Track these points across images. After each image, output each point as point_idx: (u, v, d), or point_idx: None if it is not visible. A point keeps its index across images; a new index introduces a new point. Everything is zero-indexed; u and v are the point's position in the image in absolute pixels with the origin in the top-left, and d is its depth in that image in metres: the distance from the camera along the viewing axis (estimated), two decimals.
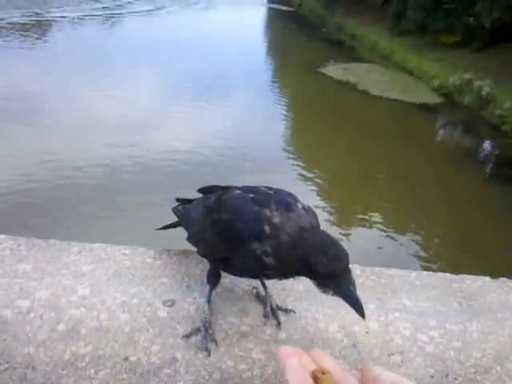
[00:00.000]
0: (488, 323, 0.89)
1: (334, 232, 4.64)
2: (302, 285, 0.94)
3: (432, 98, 10.46)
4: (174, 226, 1.03)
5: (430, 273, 1.07)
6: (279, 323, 0.84)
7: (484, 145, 8.79)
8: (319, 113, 9.50)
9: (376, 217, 5.38)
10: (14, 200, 4.75)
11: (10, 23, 13.73)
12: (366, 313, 0.87)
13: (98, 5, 18.37)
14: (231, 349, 0.79)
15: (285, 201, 0.75)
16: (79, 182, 5.26)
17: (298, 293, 0.93)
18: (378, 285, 0.98)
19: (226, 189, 0.87)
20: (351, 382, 0.56)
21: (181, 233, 0.97)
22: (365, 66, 12.87)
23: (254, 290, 0.91)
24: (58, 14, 15.75)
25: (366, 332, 0.84)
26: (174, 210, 1.01)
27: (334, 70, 11.93)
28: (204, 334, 0.80)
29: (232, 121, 8.10)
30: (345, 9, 19.13)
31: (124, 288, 0.89)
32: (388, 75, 12.11)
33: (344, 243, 0.68)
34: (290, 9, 25.51)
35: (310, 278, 0.69)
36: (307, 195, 5.43)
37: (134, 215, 4.61)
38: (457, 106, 10.01)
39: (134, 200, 4.94)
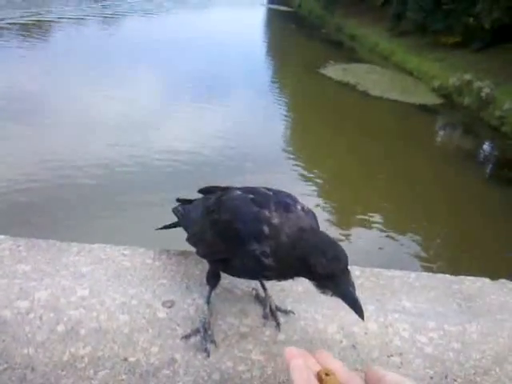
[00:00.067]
0: (487, 324, 0.89)
1: (333, 232, 4.64)
2: (301, 286, 0.94)
3: (432, 99, 10.46)
4: (173, 226, 1.03)
5: (430, 274, 1.07)
6: (278, 324, 0.84)
7: (484, 146, 8.79)
8: (319, 113, 9.50)
9: (376, 217, 5.39)
10: (13, 200, 4.75)
11: (9, 23, 13.74)
12: (366, 314, 0.87)
13: (98, 5, 18.37)
14: (230, 350, 0.79)
15: (284, 202, 0.75)
16: (79, 182, 5.26)
17: (297, 294, 0.93)
18: (377, 286, 0.98)
19: (226, 189, 0.88)
20: (357, 383, 0.56)
21: (180, 233, 0.97)
22: (365, 66, 12.87)
23: (254, 291, 0.91)
24: (58, 14, 15.75)
25: (365, 333, 0.84)
26: (174, 211, 1.01)
27: (334, 71, 11.94)
28: (203, 334, 0.80)
29: (232, 121, 8.11)
30: (344, 9, 19.14)
31: (123, 289, 0.89)
32: (388, 76, 12.12)
33: (344, 243, 0.68)
34: (289, 9, 25.54)
35: (309, 278, 0.69)
36: (307, 195, 5.43)
37: (134, 215, 4.61)
38: (456, 107, 10.01)
39: (134, 200, 4.94)
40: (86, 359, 0.76)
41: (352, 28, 17.27)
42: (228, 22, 19.46)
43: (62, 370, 0.74)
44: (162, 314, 0.84)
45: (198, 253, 0.89)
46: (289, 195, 0.79)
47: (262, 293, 0.89)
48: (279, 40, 18.72)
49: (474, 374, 0.79)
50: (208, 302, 0.84)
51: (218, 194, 0.86)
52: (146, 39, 13.73)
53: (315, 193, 5.78)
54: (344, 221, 5.29)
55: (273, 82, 11.80)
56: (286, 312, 0.87)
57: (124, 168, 5.75)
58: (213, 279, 0.86)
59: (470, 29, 12.07)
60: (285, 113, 9.18)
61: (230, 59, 12.81)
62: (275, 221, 0.72)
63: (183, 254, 1.03)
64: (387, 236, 4.98)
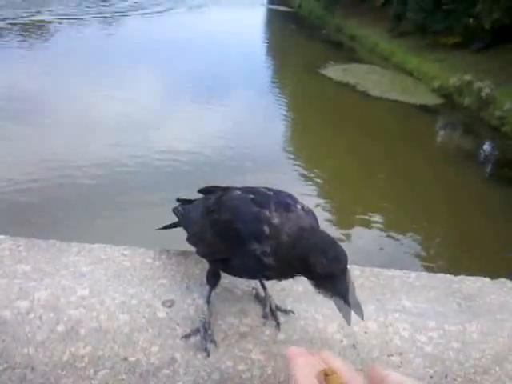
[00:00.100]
0: (487, 324, 0.89)
1: (334, 232, 4.64)
2: (302, 286, 0.94)
3: (432, 99, 10.46)
4: (173, 226, 1.03)
5: (430, 274, 1.07)
6: (278, 324, 0.84)
7: (484, 146, 8.79)
8: (319, 113, 9.50)
9: (376, 217, 5.38)
10: (13, 200, 4.75)
11: (9, 23, 13.74)
12: (366, 314, 0.87)
13: (98, 5, 18.38)
14: (230, 349, 0.79)
15: (284, 202, 0.75)
16: (79, 182, 5.27)
17: (297, 293, 0.93)
18: (377, 286, 0.98)
19: (226, 189, 0.88)
20: (360, 383, 0.56)
21: (180, 233, 0.97)
22: (365, 67, 12.87)
23: (254, 291, 0.91)
24: (58, 14, 15.75)
25: (365, 332, 0.84)
26: (174, 211, 1.01)
27: (334, 71, 11.94)
28: (203, 334, 0.80)
29: (232, 121, 8.11)
30: (345, 10, 19.14)
31: (123, 288, 0.89)
32: (388, 76, 12.12)
33: (344, 243, 0.68)
34: (289, 9, 25.52)
35: (308, 277, 0.69)
36: (307, 195, 5.43)
37: (134, 215, 4.61)
38: (457, 107, 10.01)
39: (134, 200, 4.94)
40: (86, 359, 0.76)
41: (352, 28, 17.27)
42: (228, 22, 19.45)
43: (62, 370, 0.74)
44: (162, 313, 0.84)
45: (198, 252, 0.89)
46: (289, 195, 0.79)
47: (261, 292, 0.90)
48: (279, 40, 18.72)
49: (474, 373, 0.79)
50: (208, 302, 0.84)
51: (218, 194, 0.86)
52: (146, 39, 13.73)
53: (315, 193, 5.78)
54: (344, 220, 5.29)
55: (273, 82, 11.81)
56: (285, 311, 0.87)
57: (124, 168, 5.75)
58: (213, 279, 0.86)
59: (470, 29, 12.07)
60: (285, 113, 9.18)
61: (230, 59, 12.81)
62: (276, 221, 0.72)
63: (183, 253, 1.03)
64: (387, 236, 4.98)
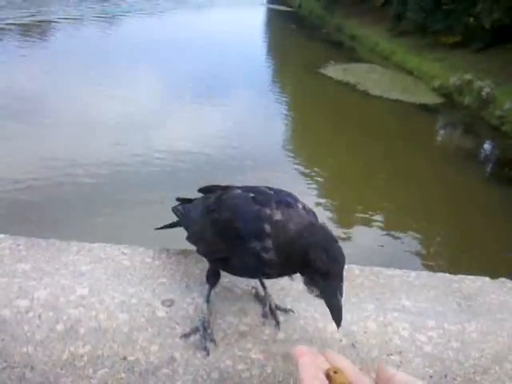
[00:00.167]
0: (487, 323, 0.89)
1: (334, 231, 4.62)
2: (301, 285, 0.94)
3: (432, 99, 10.46)
4: (173, 225, 1.03)
5: (430, 273, 1.07)
6: (278, 323, 0.84)
7: (484, 145, 8.79)
8: (319, 113, 9.51)
9: (376, 216, 5.39)
10: (13, 199, 4.76)
11: (10, 23, 13.74)
12: (365, 313, 0.87)
13: (98, 5, 18.37)
14: (230, 348, 0.79)
15: (285, 201, 0.75)
16: (79, 182, 5.27)
17: (296, 293, 0.93)
18: (376, 285, 0.98)
19: (226, 188, 0.87)
20: (365, 382, 0.56)
21: (180, 232, 0.97)
22: (365, 66, 12.88)
23: (253, 290, 0.91)
24: (58, 14, 15.75)
25: (365, 332, 0.84)
26: (174, 210, 1.01)
27: (334, 71, 11.94)
28: (203, 333, 0.79)
29: (232, 120, 8.11)
30: (345, 10, 19.14)
31: (123, 288, 0.89)
32: (388, 76, 12.12)
33: (344, 242, 0.68)
34: (289, 9, 25.52)
35: (303, 273, 0.69)
36: (308, 194, 5.44)
37: (134, 214, 4.61)
38: (457, 107, 10.01)
39: (134, 199, 4.95)
40: (86, 358, 0.76)
41: (352, 28, 17.27)
42: (228, 21, 19.45)
43: (61, 369, 0.74)
44: (161, 312, 0.84)
45: (198, 251, 0.89)
46: (289, 194, 0.79)
47: (261, 291, 0.89)
48: (279, 40, 18.72)
49: (474, 372, 0.79)
50: (207, 301, 0.84)
51: (217, 193, 0.86)
52: (146, 39, 13.73)
53: (316, 192, 5.79)
54: (344, 220, 5.30)
55: (273, 82, 11.81)
56: (285, 311, 0.87)
57: (124, 167, 5.76)
58: (212, 278, 0.86)
59: (470, 29, 12.07)
60: (285, 112, 9.19)
61: (230, 59, 12.81)
62: (277, 218, 0.72)
63: (183, 252, 1.03)
64: (387, 235, 4.98)
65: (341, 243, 0.69)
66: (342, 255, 0.67)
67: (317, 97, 10.42)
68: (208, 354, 0.77)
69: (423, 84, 11.40)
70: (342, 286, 0.66)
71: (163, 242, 1.18)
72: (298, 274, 0.73)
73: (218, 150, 6.64)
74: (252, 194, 0.77)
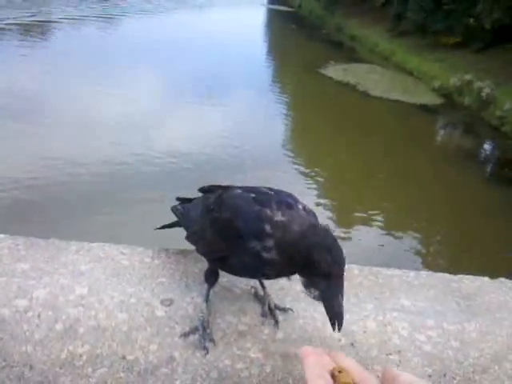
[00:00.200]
0: (486, 323, 0.89)
1: (334, 230, 4.63)
2: (300, 285, 0.94)
3: (432, 99, 10.46)
4: (173, 225, 1.03)
5: (429, 272, 1.07)
6: (277, 322, 0.84)
7: (484, 145, 8.79)
8: (320, 113, 9.51)
9: (376, 216, 5.39)
10: (13, 198, 4.76)
11: (10, 23, 13.74)
12: (364, 312, 0.87)
13: (98, 5, 18.37)
14: (229, 348, 0.79)
15: (286, 201, 0.75)
16: (79, 181, 5.27)
17: (295, 292, 0.93)
18: (376, 284, 0.98)
19: (227, 188, 0.87)
20: (371, 382, 0.57)
21: (179, 232, 0.97)
22: (365, 66, 12.88)
23: (253, 290, 0.91)
24: (58, 14, 15.76)
25: (364, 331, 0.84)
26: (174, 210, 1.01)
27: (334, 71, 11.94)
28: (202, 333, 0.79)
29: (233, 120, 8.11)
30: (345, 10, 19.14)
31: (122, 287, 0.89)
32: (388, 76, 12.12)
33: (344, 241, 0.68)
34: (289, 9, 25.53)
35: (304, 275, 0.69)
36: (308, 193, 5.44)
37: (134, 214, 4.61)
38: (457, 107, 10.01)
39: (134, 198, 4.95)
40: (85, 357, 0.76)
41: (352, 28, 17.27)
42: (228, 22, 19.46)
43: (61, 368, 0.74)
44: (160, 312, 0.84)
45: (197, 251, 0.89)
46: (290, 195, 0.79)
47: (260, 291, 0.89)
48: (279, 40, 18.73)
49: (473, 372, 0.79)
50: (206, 301, 0.84)
51: (218, 193, 0.86)
52: (146, 39, 13.73)
53: (316, 191, 5.79)
54: (344, 219, 5.30)
55: (273, 82, 11.81)
56: (284, 310, 0.87)
57: (124, 167, 5.76)
58: (211, 277, 0.86)
59: (471, 29, 12.07)
60: (285, 112, 9.19)
61: (230, 59, 12.81)
62: (277, 219, 0.72)
63: (182, 252, 1.03)
64: (387, 234, 4.98)
65: (340, 243, 0.69)
66: (343, 256, 0.67)
67: (317, 97, 10.42)
68: (208, 353, 0.77)
69: (423, 84, 11.40)
70: (343, 289, 0.66)
71: (162, 241, 1.18)
72: (296, 275, 0.73)
73: (218, 149, 6.64)
74: (253, 195, 0.77)
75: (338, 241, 0.70)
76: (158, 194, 4.73)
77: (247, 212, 0.74)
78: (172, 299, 0.87)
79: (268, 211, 0.73)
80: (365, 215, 5.40)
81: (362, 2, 18.70)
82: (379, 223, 5.23)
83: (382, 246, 4.78)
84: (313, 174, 6.28)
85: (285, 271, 0.75)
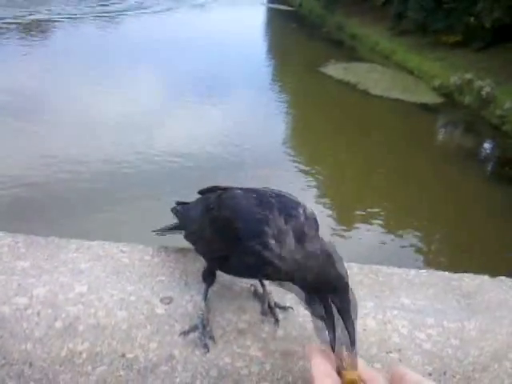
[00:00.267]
0: (486, 321, 0.89)
1: (334, 229, 4.64)
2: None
3: (433, 98, 10.45)
4: (172, 229, 1.02)
5: (429, 271, 1.06)
6: (277, 320, 0.84)
7: (484, 145, 8.79)
8: (320, 112, 9.50)
9: (376, 215, 5.39)
10: (13, 197, 4.76)
11: (10, 22, 13.74)
12: (364, 311, 0.87)
13: (98, 4, 18.36)
14: (229, 346, 0.79)
15: (286, 202, 0.75)
16: (78, 180, 5.27)
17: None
18: (376, 283, 0.98)
19: (227, 189, 0.87)
20: (378, 380, 0.57)
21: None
22: (365, 65, 12.86)
23: (252, 288, 0.91)
24: (58, 14, 15.75)
25: (364, 330, 0.84)
26: (173, 211, 1.01)
27: (335, 70, 11.93)
28: (202, 331, 0.79)
29: (233, 120, 8.11)
30: (345, 9, 19.12)
31: (122, 285, 0.89)
32: (388, 75, 12.11)
33: (344, 240, 0.68)
34: (290, 8, 25.49)
35: (305, 289, 0.68)
36: (308, 192, 5.44)
37: (134, 213, 4.61)
38: (457, 106, 10.00)
39: (134, 198, 4.95)
40: (84, 355, 0.76)
41: (353, 27, 17.25)
42: (228, 21, 19.44)
43: (60, 366, 0.74)
44: (160, 310, 0.84)
45: (196, 250, 0.89)
46: (290, 195, 0.79)
47: (260, 289, 0.89)
48: (280, 39, 18.71)
49: (473, 370, 0.79)
50: (205, 299, 0.84)
51: (218, 193, 0.86)
52: (146, 39, 13.72)
53: (316, 190, 5.79)
54: (344, 218, 5.30)
55: (273, 81, 11.80)
56: (284, 308, 0.87)
57: (124, 166, 5.76)
58: (209, 277, 0.86)
59: (471, 28, 12.06)
60: (285, 111, 9.19)
61: (230, 59, 12.80)
62: (277, 220, 0.72)
63: (182, 250, 1.03)
64: (387, 233, 4.98)
65: (341, 241, 0.69)
66: (344, 267, 0.67)
67: (317, 96, 10.41)
68: (208, 351, 0.77)
69: (424, 83, 11.39)
70: (355, 300, 0.65)
71: (162, 240, 1.18)
72: None
73: (219, 148, 6.64)
74: (253, 195, 0.77)
75: (338, 239, 0.70)
76: (158, 193, 4.74)
77: (247, 212, 0.74)
78: (172, 297, 0.87)
79: (268, 212, 0.72)
80: (365, 214, 5.41)
81: (363, 1, 18.68)
82: (379, 222, 5.23)
83: (382, 244, 4.78)
84: (313, 172, 6.28)
85: (286, 273, 0.75)
